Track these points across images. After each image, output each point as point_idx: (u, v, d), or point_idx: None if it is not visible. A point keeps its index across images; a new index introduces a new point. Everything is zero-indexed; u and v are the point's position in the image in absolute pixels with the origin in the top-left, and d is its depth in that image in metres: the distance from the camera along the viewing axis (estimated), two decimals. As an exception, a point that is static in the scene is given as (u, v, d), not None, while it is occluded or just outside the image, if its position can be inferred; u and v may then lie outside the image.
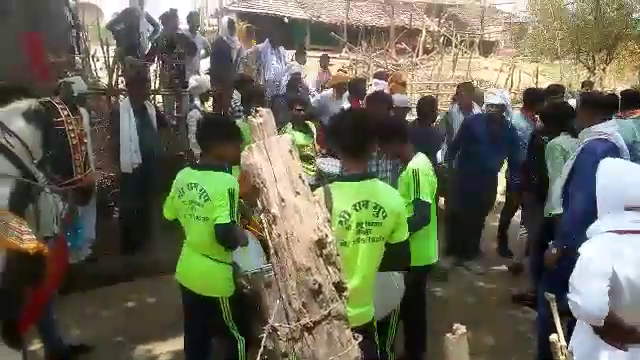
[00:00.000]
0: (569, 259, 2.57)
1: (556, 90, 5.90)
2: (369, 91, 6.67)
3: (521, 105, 5.96)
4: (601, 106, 3.35)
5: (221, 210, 2.82)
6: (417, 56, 15.33)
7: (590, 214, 3.03)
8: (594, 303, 2.01)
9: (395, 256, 2.58)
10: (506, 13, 22.35)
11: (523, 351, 3.86)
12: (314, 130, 5.53)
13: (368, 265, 2.49)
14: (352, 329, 2.34)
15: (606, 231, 2.11)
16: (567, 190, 3.40)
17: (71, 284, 4.33)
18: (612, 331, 2.04)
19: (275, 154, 1.29)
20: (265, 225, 1.30)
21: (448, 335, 1.24)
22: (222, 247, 2.92)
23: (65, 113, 4.39)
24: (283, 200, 1.28)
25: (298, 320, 1.25)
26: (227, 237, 2.87)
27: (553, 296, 1.76)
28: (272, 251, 1.30)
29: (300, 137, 5.24)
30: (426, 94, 11.92)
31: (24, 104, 2.81)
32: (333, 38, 16.03)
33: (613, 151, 3.08)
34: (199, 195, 2.88)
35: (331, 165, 4.74)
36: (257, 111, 1.31)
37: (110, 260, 5.11)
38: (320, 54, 9.62)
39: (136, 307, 4.57)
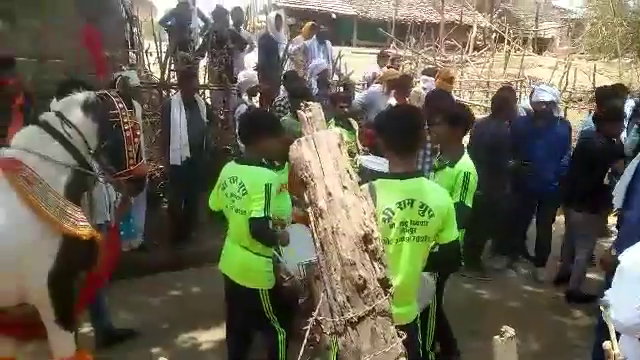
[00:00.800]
0: None
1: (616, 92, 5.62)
2: (416, 88, 6.59)
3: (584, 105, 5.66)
4: None
5: (256, 204, 2.85)
6: (467, 53, 14.98)
7: None
8: (630, 318, 1.93)
9: (445, 256, 2.54)
10: (562, 9, 21.55)
11: (569, 358, 3.73)
12: (356, 127, 5.51)
13: (412, 264, 2.46)
14: (398, 327, 2.35)
15: None
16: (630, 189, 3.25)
17: (122, 272, 4.50)
18: None
19: (323, 148, 1.29)
20: (312, 219, 1.31)
21: (496, 337, 1.21)
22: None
23: (120, 106, 4.52)
24: (330, 194, 1.27)
25: (342, 314, 1.25)
26: (259, 232, 2.90)
27: (607, 302, 1.68)
28: (318, 245, 1.30)
29: (343, 133, 5.24)
30: (476, 92, 11.68)
31: (82, 96, 2.92)
32: (380, 34, 15.89)
33: None
34: (238, 188, 2.93)
35: (374, 162, 4.71)
36: (307, 105, 1.31)
37: (158, 250, 5.28)
38: (369, 50, 9.56)
39: (182, 296, 4.70)
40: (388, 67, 8.42)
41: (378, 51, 10.71)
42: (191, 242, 5.42)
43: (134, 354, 3.68)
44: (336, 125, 5.26)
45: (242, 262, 3.02)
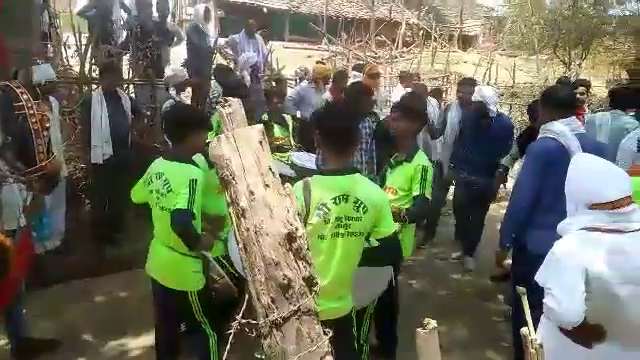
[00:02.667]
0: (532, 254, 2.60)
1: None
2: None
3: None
4: (557, 103, 3.27)
5: (180, 198, 2.71)
6: (396, 49, 15.32)
7: (528, 210, 3.11)
8: (571, 311, 2.00)
9: (384, 250, 2.57)
10: (485, 7, 22.52)
11: (497, 344, 3.90)
12: (290, 123, 5.49)
13: (346, 259, 2.48)
14: (328, 322, 2.35)
15: (578, 229, 2.09)
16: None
17: (41, 276, 4.23)
18: (578, 331, 2.05)
19: (244, 145, 1.24)
20: (234, 219, 1.26)
21: (419, 330, 1.22)
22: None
23: (25, 97, 4.23)
24: (252, 193, 1.23)
25: (267, 316, 1.21)
26: (181, 225, 2.70)
27: (524, 290, 1.75)
28: (241, 245, 1.25)
29: (276, 129, 5.20)
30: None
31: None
32: (312, 29, 15.91)
33: (554, 151, 3.04)
34: (163, 185, 2.81)
35: (305, 159, 4.70)
36: (226, 100, 1.25)
37: (81, 253, 5.00)
38: (300, 45, 9.51)
39: (107, 301, 4.48)
40: (316, 62, 8.42)
41: (310, 46, 10.72)
42: (116, 244, 5.18)
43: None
44: (269, 121, 5.22)
45: (169, 263, 2.89)
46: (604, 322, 2.07)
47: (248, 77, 6.85)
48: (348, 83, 6.34)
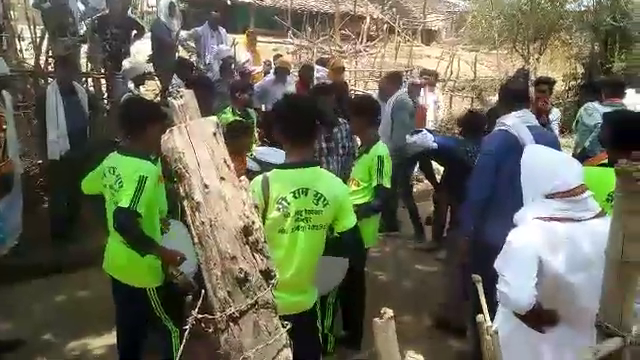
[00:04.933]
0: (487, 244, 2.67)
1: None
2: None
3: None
4: (512, 96, 3.37)
5: (125, 195, 2.64)
6: (361, 43, 15.36)
7: (483, 201, 3.19)
8: (522, 296, 2.06)
9: (345, 243, 2.59)
10: (448, 2, 22.83)
11: (462, 333, 3.98)
12: (254, 117, 5.44)
13: (308, 253, 2.48)
14: (292, 316, 2.35)
15: (533, 218, 2.15)
16: None
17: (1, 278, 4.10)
18: (532, 316, 2.11)
19: (198, 138, 1.21)
20: (188, 213, 1.24)
21: (376, 319, 1.23)
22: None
23: (-18, 96, 4.09)
24: (207, 186, 1.21)
25: (223, 310, 1.20)
26: (122, 225, 2.65)
27: (479, 278, 1.80)
28: (196, 240, 1.24)
29: (240, 123, 5.14)
30: (369, 81, 12.03)
31: None
32: (277, 23, 15.78)
33: (508, 144, 3.12)
34: (115, 180, 2.75)
35: (267, 154, 4.68)
36: (178, 92, 1.23)
37: (39, 252, 4.86)
38: (265, 39, 9.40)
39: (67, 300, 4.37)
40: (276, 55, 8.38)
41: (276, 39, 10.63)
42: (76, 242, 5.04)
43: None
44: (233, 114, 5.16)
45: (126, 260, 2.82)
46: (558, 308, 2.14)
47: (217, 69, 6.74)
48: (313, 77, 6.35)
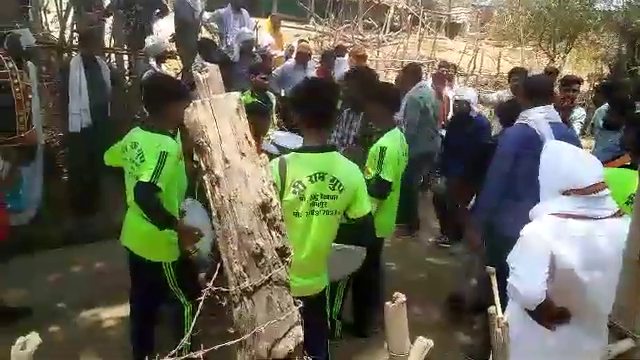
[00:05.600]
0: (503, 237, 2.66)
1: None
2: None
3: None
4: (536, 91, 3.37)
5: (146, 169, 2.66)
6: (384, 33, 15.24)
7: (500, 194, 3.18)
8: (532, 290, 2.06)
9: (359, 230, 2.60)
10: (474, -5, 22.46)
11: (470, 327, 3.97)
12: (274, 101, 5.44)
13: (321, 237, 2.49)
14: (302, 298, 2.37)
15: (548, 214, 2.13)
16: None
17: (16, 247, 4.18)
18: (543, 312, 2.10)
19: (221, 112, 1.22)
20: (208, 187, 1.25)
21: (387, 303, 1.24)
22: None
23: (10, 65, 4.14)
24: (227, 161, 1.22)
25: (238, 284, 1.22)
26: (142, 198, 2.67)
27: (493, 270, 1.79)
28: (215, 214, 1.25)
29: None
30: (389, 71, 11.94)
31: (-38, 52, 2.61)
32: (300, 8, 15.71)
33: (526, 138, 3.14)
34: (137, 155, 2.78)
35: (286, 139, 4.69)
36: (203, 65, 1.23)
37: (58, 224, 4.94)
38: (288, 24, 9.37)
39: (83, 271, 4.46)
40: (300, 41, 8.35)
41: (298, 25, 10.61)
42: (93, 215, 5.12)
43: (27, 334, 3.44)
44: (252, 97, 5.17)
45: (144, 234, 2.86)
46: (570, 306, 2.13)
47: (237, 51, 6.74)
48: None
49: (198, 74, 1.21)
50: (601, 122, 5.06)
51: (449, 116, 6.27)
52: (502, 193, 3.19)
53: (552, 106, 3.33)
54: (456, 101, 5.56)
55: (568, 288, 2.08)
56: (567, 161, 2.17)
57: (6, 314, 3.52)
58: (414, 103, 5.52)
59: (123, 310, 3.56)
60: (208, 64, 1.24)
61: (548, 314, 2.11)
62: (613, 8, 14.20)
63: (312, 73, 6.43)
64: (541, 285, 2.04)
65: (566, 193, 2.09)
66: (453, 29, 20.66)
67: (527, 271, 2.08)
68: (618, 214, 2.06)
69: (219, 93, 1.24)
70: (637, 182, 1.49)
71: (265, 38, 8.07)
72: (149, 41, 5.70)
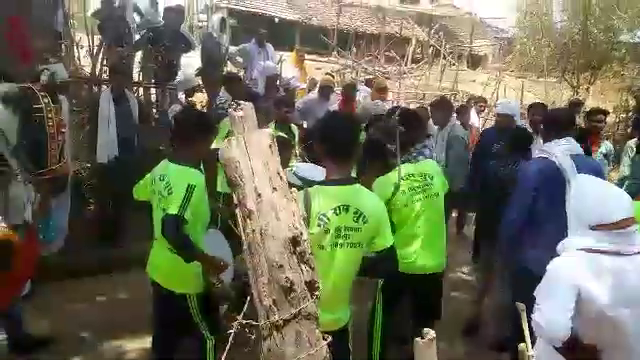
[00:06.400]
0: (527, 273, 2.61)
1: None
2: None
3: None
4: (557, 123, 3.39)
5: (174, 202, 2.70)
6: (406, 65, 15.40)
7: (519, 226, 3.15)
8: (556, 327, 2.02)
9: (381, 263, 2.58)
10: (495, 28, 22.66)
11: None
12: (296, 133, 5.51)
13: (345, 270, 2.48)
14: (328, 333, 2.34)
15: (576, 249, 2.10)
16: None
17: (42, 275, 4.24)
18: (571, 348, 2.05)
19: (254, 148, 1.26)
20: (240, 220, 1.28)
21: (417, 339, 1.23)
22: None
23: (45, 101, 4.30)
24: (259, 195, 1.25)
25: (268, 317, 1.23)
26: (168, 230, 2.69)
27: (523, 306, 1.76)
28: (245, 247, 1.27)
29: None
30: (412, 104, 12.00)
31: (3, 87, 2.72)
32: (323, 41, 16.04)
33: (546, 171, 3.14)
34: (165, 187, 2.82)
35: (308, 170, 4.71)
36: (238, 104, 1.28)
37: (85, 253, 5.01)
38: (310, 57, 9.57)
39: (108, 301, 4.49)
40: (325, 74, 8.51)
41: (320, 58, 10.77)
42: (119, 245, 5.19)
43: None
44: (276, 130, 5.25)
45: (169, 266, 2.88)
46: (599, 343, 2.07)
47: (262, 86, 6.89)
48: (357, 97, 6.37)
49: (233, 112, 1.25)
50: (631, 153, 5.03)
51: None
52: (519, 223, 3.15)
53: (572, 138, 3.31)
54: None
55: (597, 325, 2.03)
56: (596, 195, 2.15)
57: (28, 343, 3.55)
58: (459, 140, 5.50)
59: (146, 341, 3.56)
60: (243, 102, 1.28)
61: (574, 350, 2.06)
62: (638, 40, 14.10)
63: (334, 106, 6.51)
64: (566, 322, 2.00)
65: (595, 228, 2.07)
66: (475, 61, 20.79)
67: (552, 307, 2.04)
68: None
69: (252, 130, 1.28)
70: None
71: (290, 71, 8.23)
72: (180, 76, 5.87)
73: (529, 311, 1.90)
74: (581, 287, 2.01)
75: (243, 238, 1.26)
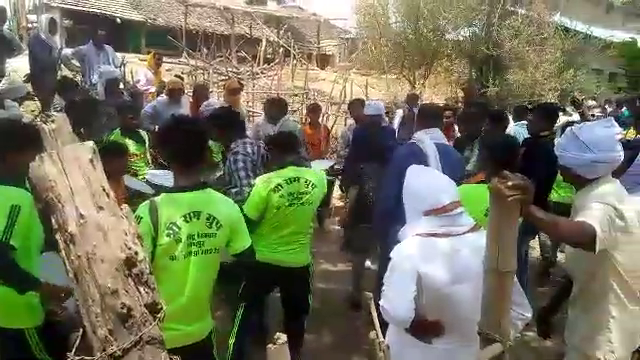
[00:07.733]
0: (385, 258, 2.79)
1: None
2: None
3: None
4: (427, 117, 3.84)
5: None
6: (258, 65, 15.45)
7: (390, 212, 3.35)
8: (401, 311, 2.16)
9: (241, 265, 2.55)
10: (340, 29, 23.74)
11: (361, 348, 4.04)
12: (146, 138, 5.23)
13: (202, 279, 2.41)
14: (187, 348, 2.24)
15: (413, 235, 2.26)
16: None
17: None
18: (417, 327, 2.21)
19: (71, 165, 1.13)
20: (62, 246, 1.14)
21: (269, 346, 1.21)
22: None
23: None
24: (82, 216, 1.13)
25: (104, 350, 1.12)
26: None
27: (371, 295, 1.85)
28: (71, 275, 1.14)
29: (131, 145, 4.91)
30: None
31: None
32: (171, 42, 15.40)
33: (413, 154, 3.49)
34: None
35: (159, 177, 4.50)
36: (49, 116, 1.14)
37: None
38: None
39: None
40: (175, 76, 8.20)
41: (170, 59, 10.31)
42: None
43: None
44: (122, 136, 4.91)
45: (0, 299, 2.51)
46: (442, 318, 2.25)
47: (102, 90, 6.39)
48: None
49: (44, 125, 1.11)
50: None
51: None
52: (391, 205, 3.31)
53: (439, 130, 3.76)
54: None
55: (438, 302, 2.21)
56: (424, 184, 2.33)
57: None
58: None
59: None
60: (55, 114, 1.15)
61: (422, 329, 2.22)
62: (462, 38, 15.76)
63: (185, 109, 6.30)
64: (409, 304, 2.15)
65: (427, 213, 2.24)
66: (324, 60, 21.60)
67: (395, 292, 2.18)
68: (475, 228, 2.25)
69: (69, 143, 1.15)
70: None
71: (142, 75, 7.81)
72: (4, 83, 5.20)
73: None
74: (420, 270, 2.16)
75: (67, 266, 1.13)
